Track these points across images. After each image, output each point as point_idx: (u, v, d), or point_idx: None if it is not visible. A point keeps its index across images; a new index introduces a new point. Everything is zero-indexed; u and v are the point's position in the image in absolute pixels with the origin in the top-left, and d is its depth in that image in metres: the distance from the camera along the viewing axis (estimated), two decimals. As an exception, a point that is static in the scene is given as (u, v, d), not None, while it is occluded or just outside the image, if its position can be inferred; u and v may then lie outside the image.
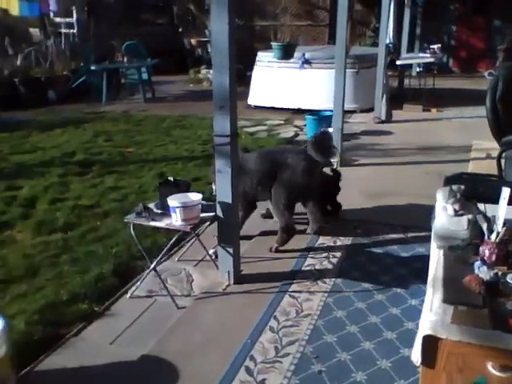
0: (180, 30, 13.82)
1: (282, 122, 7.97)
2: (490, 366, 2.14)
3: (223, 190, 2.94)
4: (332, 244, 3.61)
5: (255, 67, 8.95)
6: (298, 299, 2.91)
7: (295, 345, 2.49)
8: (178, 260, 3.47)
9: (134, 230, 3.02)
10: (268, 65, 8.63)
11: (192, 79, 11.81)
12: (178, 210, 2.76)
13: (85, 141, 6.87)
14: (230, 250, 3.04)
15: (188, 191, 3.01)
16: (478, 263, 2.15)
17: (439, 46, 9.33)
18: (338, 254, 3.44)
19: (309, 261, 3.35)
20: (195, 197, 2.89)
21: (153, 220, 2.91)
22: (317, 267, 3.29)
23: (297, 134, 7.22)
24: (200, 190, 3.29)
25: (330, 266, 3.30)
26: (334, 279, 3.12)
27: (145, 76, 10.16)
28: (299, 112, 7.95)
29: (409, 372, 2.22)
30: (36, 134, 7.25)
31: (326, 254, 3.44)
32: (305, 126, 7.21)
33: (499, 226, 2.27)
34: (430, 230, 2.53)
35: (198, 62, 12.57)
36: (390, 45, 7.89)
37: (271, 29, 12.97)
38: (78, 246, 3.69)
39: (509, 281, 2.02)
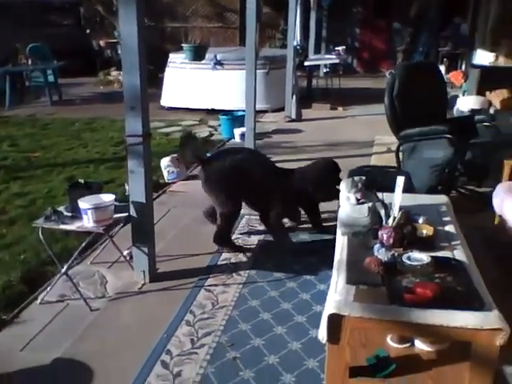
0: (88, 31, 13.39)
1: (197, 122, 7.99)
2: (389, 339, 2.34)
3: (136, 190, 2.93)
4: (247, 238, 3.70)
5: (167, 68, 8.89)
6: (213, 292, 2.97)
7: (211, 336, 2.55)
8: (91, 263, 3.40)
9: (43, 234, 2.93)
10: (180, 66, 8.61)
11: (102, 81, 11.49)
12: (89, 212, 2.72)
13: (-13, 147, 6.50)
14: (145, 249, 3.04)
15: (100, 193, 2.97)
16: (377, 246, 2.33)
17: (344, 47, 9.80)
18: (253, 247, 3.54)
19: (224, 255, 3.42)
20: (107, 198, 2.87)
21: (63, 223, 2.85)
22: (232, 261, 3.37)
23: (211, 134, 7.28)
24: (113, 192, 3.25)
25: (244, 259, 3.39)
26: (248, 271, 3.21)
27: (51, 78, 9.75)
28: (213, 112, 8.02)
29: (317, 351, 2.36)
30: None
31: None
32: (219, 125, 7.30)
33: (395, 212, 2.47)
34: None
35: (107, 63, 12.25)
36: (298, 46, 8.16)
37: (182, 30, 12.98)
38: (-17, 255, 3.52)
39: (404, 260, 2.20)
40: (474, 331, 1.85)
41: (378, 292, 2.06)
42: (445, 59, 10.45)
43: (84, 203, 2.74)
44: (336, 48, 9.68)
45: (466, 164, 4.17)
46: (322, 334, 2.00)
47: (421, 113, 4.13)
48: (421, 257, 2.22)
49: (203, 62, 8.30)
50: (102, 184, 3.21)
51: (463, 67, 10.01)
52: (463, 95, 7.48)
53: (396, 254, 2.28)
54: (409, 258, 2.21)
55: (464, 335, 1.89)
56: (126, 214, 2.98)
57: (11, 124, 7.84)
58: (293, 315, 2.72)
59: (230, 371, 2.29)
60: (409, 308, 1.92)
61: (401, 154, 4.20)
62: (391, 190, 2.66)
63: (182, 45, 8.23)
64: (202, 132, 7.37)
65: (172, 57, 8.83)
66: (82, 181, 3.09)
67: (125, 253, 3.33)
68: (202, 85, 8.49)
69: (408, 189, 3.23)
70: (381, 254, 2.29)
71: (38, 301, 2.95)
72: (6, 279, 3.15)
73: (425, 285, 2.03)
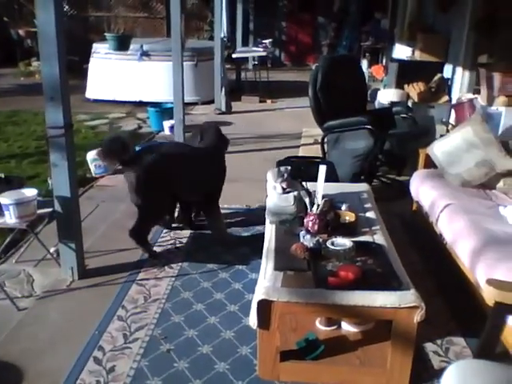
0: (5, 19, 12.67)
1: (124, 114, 7.84)
2: (317, 323, 2.46)
3: (60, 183, 2.86)
4: (178, 231, 3.71)
5: (91, 59, 8.63)
6: (145, 286, 2.96)
7: (144, 329, 2.56)
8: (16, 262, 3.28)
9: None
10: (105, 57, 8.38)
11: (22, 72, 10.95)
12: (11, 208, 2.64)
13: None
14: (72, 245, 2.98)
15: (21, 188, 2.88)
16: (302, 233, 2.43)
17: (270, 40, 9.94)
18: (184, 240, 3.56)
19: (156, 249, 3.41)
20: (29, 193, 2.78)
21: (-18, 220, 2.74)
22: (164, 254, 3.37)
23: (140, 127, 7.18)
24: (38, 188, 3.14)
25: (176, 252, 3.40)
26: (180, 263, 3.23)
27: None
28: (141, 104, 7.89)
29: (250, 339, 2.43)
30: None
31: (172, 241, 3.53)
32: (148, 118, 7.20)
33: (319, 199, 2.58)
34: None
35: (27, 53, 11.67)
36: (225, 39, 8.20)
37: (106, 20, 12.61)
38: None
39: (328, 246, 2.32)
40: (393, 310, 2.00)
41: (305, 277, 2.17)
42: (367, 53, 10.83)
43: (4, 198, 2.64)
44: (263, 41, 9.79)
45: (386, 154, 4.40)
46: (253, 320, 2.08)
47: (342, 105, 4.30)
48: (343, 242, 2.35)
49: (129, 52, 8.13)
50: (23, 178, 3.10)
51: (384, 61, 10.42)
52: (384, 88, 7.81)
53: (321, 239, 2.40)
54: (332, 244, 2.33)
55: (384, 314, 2.03)
56: (51, 209, 2.90)
57: None
58: (225, 305, 2.78)
59: (165, 363, 2.31)
60: (333, 291, 2.04)
61: (326, 145, 4.37)
62: (316, 179, 2.78)
63: (105, 34, 8.00)
64: (130, 125, 7.25)
65: (96, 47, 8.57)
66: (1, 175, 2.97)
67: (51, 250, 3.24)
68: (129, 76, 8.32)
69: (332, 178, 3.39)
70: (306, 240, 2.40)
71: (-41, 303, 2.82)
72: None
73: (347, 268, 2.16)
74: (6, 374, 2.31)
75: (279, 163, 3.66)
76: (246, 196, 4.35)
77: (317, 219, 2.50)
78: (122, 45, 7.77)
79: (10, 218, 2.67)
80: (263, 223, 2.84)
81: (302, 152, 5.53)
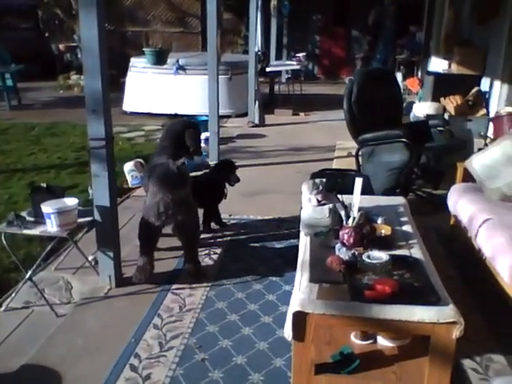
0: (46, 34, 13.15)
1: (159, 127, 7.96)
2: (352, 337, 2.43)
3: (100, 193, 2.94)
4: (212, 241, 3.74)
5: (129, 73, 8.85)
6: (180, 296, 3.00)
7: (179, 338, 2.59)
8: (56, 269, 3.38)
9: (6, 241, 2.91)
10: (142, 71, 8.59)
11: (62, 85, 11.32)
12: (52, 216, 2.71)
13: None
14: (110, 254, 3.05)
15: (63, 197, 2.96)
16: (338, 246, 2.42)
17: (304, 54, 10.00)
18: (218, 250, 3.60)
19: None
20: (71, 202, 2.86)
21: (26, 228, 2.83)
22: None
23: (174, 139, 7.28)
24: (77, 197, 3.24)
25: (210, 262, 3.43)
26: (215, 274, 3.26)
27: (9, 82, 9.55)
28: (176, 117, 8.02)
29: (284, 350, 2.42)
30: None
31: (207, 251, 3.57)
32: (182, 131, 7.31)
33: (355, 212, 2.57)
34: (301, 222, 2.78)
35: (67, 67, 12.07)
36: (259, 52, 8.28)
37: (143, 35, 12.92)
38: None
39: (364, 259, 2.30)
40: (431, 325, 1.96)
41: (340, 289, 2.15)
42: (402, 66, 10.78)
43: (47, 207, 2.73)
44: (297, 55, 9.86)
45: (422, 167, 4.36)
46: (288, 331, 2.07)
47: (378, 118, 4.28)
48: (380, 255, 2.32)
49: (165, 66, 8.32)
50: (64, 188, 3.19)
51: (419, 74, 10.35)
52: (419, 101, 7.74)
53: (356, 253, 2.38)
54: (368, 257, 2.31)
55: (422, 329, 1.99)
56: (90, 218, 2.98)
57: (-33, 130, 7.64)
58: (259, 316, 2.78)
59: (199, 372, 2.33)
60: (369, 304, 2.02)
61: (360, 158, 4.35)
62: (351, 191, 2.77)
63: (144, 49, 8.20)
64: (165, 137, 7.37)
65: (133, 61, 8.80)
66: (44, 185, 3.07)
67: (90, 258, 3.32)
68: (165, 90, 8.49)
69: (367, 191, 3.37)
70: (342, 253, 2.38)
71: (3, 308, 2.91)
72: (-32, 287, 3.10)
73: (384, 281, 2.13)
74: (45, 378, 2.36)
75: (314, 175, 3.66)
76: (279, 208, 4.37)
77: (352, 232, 2.48)
78: (159, 59, 7.95)
79: (52, 227, 2.75)
80: (296, 236, 2.85)
81: (335, 165, 5.51)
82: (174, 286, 3.11)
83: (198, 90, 7.85)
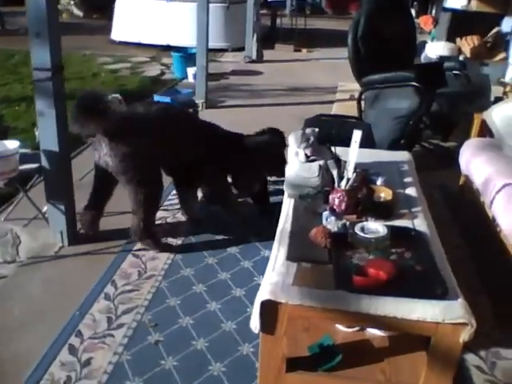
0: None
1: (148, 59, 7.38)
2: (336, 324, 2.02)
3: (47, 136, 2.45)
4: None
5: (118, -2, 8.11)
6: (142, 258, 2.58)
7: (132, 313, 2.19)
8: (5, 219, 2.95)
9: None
10: (133, -4, 7.85)
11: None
12: (-15, 162, 2.25)
13: None
14: (61, 207, 2.60)
15: (4, 138, 2.49)
16: (326, 213, 1.97)
17: (311, -17, 9.13)
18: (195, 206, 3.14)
19: (161, 213, 3.00)
20: (11, 145, 2.39)
21: (-44, 174, 2.37)
22: (169, 220, 2.98)
23: (163, 73, 6.71)
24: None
25: (183, 219, 3.00)
26: (185, 233, 2.83)
27: (-9, 5, 8.81)
28: (168, 49, 7.37)
29: (254, 334, 2.01)
30: None
31: (179, 205, 3.12)
32: (172, 64, 6.71)
33: (349, 172, 2.10)
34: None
35: (55, -10, 11.19)
36: (260, -21, 7.50)
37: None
38: None
39: (357, 232, 1.85)
40: (434, 325, 1.54)
41: (324, 272, 1.72)
42: (415, 2, 9.95)
43: (-21, 152, 2.26)
44: (303, -16, 9.03)
45: (432, 116, 3.83)
46: (255, 322, 1.66)
47: (386, 56, 3.71)
48: (376, 227, 1.88)
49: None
50: (7, 128, 2.70)
51: (433, 12, 9.55)
52: (432, 41, 7.08)
53: (348, 223, 1.93)
54: (362, 229, 1.87)
55: (422, 329, 1.58)
56: (37, 165, 2.51)
57: None
58: (230, 288, 2.37)
59: (150, 359, 1.95)
60: (358, 295, 1.59)
61: (363, 103, 3.82)
62: (349, 143, 2.29)
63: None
64: (153, 70, 6.78)
65: (123, -15, 8.02)
66: (-17, 124, 2.59)
67: (44, 209, 2.87)
68: (157, 18, 7.79)
69: (368, 142, 2.87)
70: (330, 223, 1.94)
71: None
72: None
73: (379, 264, 1.70)
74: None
75: (308, 122, 3.16)
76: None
77: (345, 196, 2.02)
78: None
79: (-15, 174, 2.30)
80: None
81: (335, 109, 4.98)
82: (137, 247, 2.68)
83: (193, 20, 7.13)
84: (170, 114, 2.71)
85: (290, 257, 1.78)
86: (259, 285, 2.31)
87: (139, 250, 2.65)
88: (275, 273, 1.71)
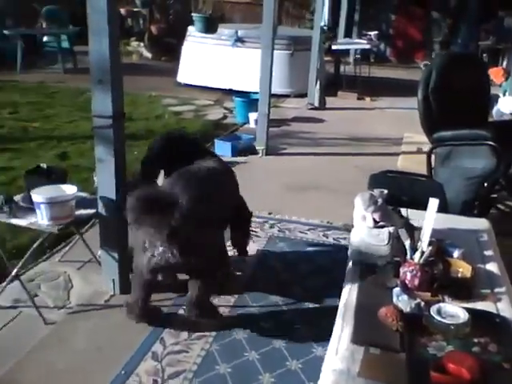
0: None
1: (212, 102, 7.45)
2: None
3: (105, 182, 2.41)
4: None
5: (185, 42, 8.31)
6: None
7: (179, 378, 2.04)
8: (60, 261, 2.92)
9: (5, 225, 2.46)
10: (199, 40, 8.02)
11: (121, 51, 10.97)
12: (42, 207, 2.21)
13: (-14, 112, 6.08)
14: (115, 255, 2.53)
15: (62, 182, 2.46)
16: (397, 290, 1.77)
17: (376, 33, 9.06)
18: (249, 259, 3.00)
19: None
20: (68, 190, 2.35)
21: (15, 217, 2.34)
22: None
23: (225, 117, 6.73)
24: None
25: (238, 273, 2.86)
26: (239, 291, 2.67)
27: (65, 44, 9.27)
28: (231, 93, 7.44)
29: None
30: None
31: (234, 258, 2.98)
32: (234, 108, 6.74)
33: (424, 244, 1.91)
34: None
35: (127, 33, 11.70)
36: (325, 27, 7.49)
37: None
38: None
39: (433, 315, 1.65)
40: None
41: (395, 361, 1.52)
42: (485, 54, 9.70)
43: (37, 195, 2.22)
44: (368, 33, 8.96)
45: (509, 177, 3.56)
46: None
47: (459, 112, 3.50)
48: (455, 311, 1.67)
49: (223, 37, 7.75)
50: (66, 172, 2.67)
51: (504, 64, 9.25)
52: (504, 95, 6.78)
53: (422, 303, 1.73)
54: (439, 312, 1.66)
55: None
56: (94, 210, 2.47)
57: (17, 89, 7.39)
58: (285, 358, 2.18)
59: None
60: (436, 395, 1.38)
61: (433, 159, 3.60)
62: (420, 205, 2.11)
63: (192, 14, 7.61)
64: (216, 114, 6.83)
65: (191, 30, 8.22)
66: (44, 165, 2.58)
67: (99, 253, 2.82)
68: (221, 62, 7.91)
69: (440, 204, 2.66)
70: (402, 301, 1.74)
71: (-13, 305, 2.49)
72: (-42, 273, 2.70)
73: (460, 358, 1.48)
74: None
75: (373, 179, 2.99)
76: (328, 209, 3.72)
77: (418, 271, 1.83)
78: (208, 27, 7.33)
79: (42, 219, 2.25)
80: (345, 250, 2.23)
81: (401, 162, 4.76)
82: (188, 301, 2.55)
83: (256, 65, 7.19)
84: (227, 183, 2.60)
85: (356, 339, 1.59)
86: (317, 357, 2.15)
87: (190, 305, 2.52)
88: (339, 358, 1.52)
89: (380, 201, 2.16)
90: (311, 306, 2.57)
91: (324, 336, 2.18)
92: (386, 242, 2.00)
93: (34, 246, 2.39)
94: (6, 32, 8.79)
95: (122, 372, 2.06)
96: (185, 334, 2.31)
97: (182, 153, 2.48)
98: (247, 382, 2.04)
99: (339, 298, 1.88)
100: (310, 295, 2.64)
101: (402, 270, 1.86)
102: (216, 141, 5.12)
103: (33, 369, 2.09)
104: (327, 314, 2.38)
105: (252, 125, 6.02)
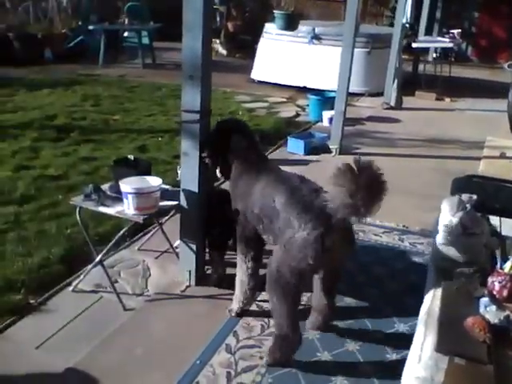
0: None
1: (285, 100, 7.45)
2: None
3: (189, 176, 2.47)
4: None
5: (261, 39, 8.36)
6: (266, 309, 2.46)
7: (252, 372, 2.06)
8: (139, 249, 3.03)
9: (84, 213, 2.59)
10: (275, 37, 8.05)
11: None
12: (130, 197, 2.31)
13: (70, 104, 6.39)
14: (193, 247, 2.59)
15: (147, 174, 2.55)
16: (484, 300, 1.70)
17: (459, 31, 8.69)
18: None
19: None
20: (154, 182, 2.43)
21: (103, 205, 2.46)
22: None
23: (298, 115, 6.71)
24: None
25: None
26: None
27: (145, 40, 9.60)
28: (304, 90, 7.42)
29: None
30: (22, 93, 6.76)
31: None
32: (308, 106, 6.71)
33: (516, 254, 1.81)
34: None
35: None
36: (407, 25, 7.28)
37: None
38: (30, 223, 3.27)
39: (523, 328, 1.57)
40: None
41: (481, 373, 1.46)
42: None
43: (125, 186, 2.32)
44: (451, 31, 8.61)
45: None
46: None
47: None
48: (548, 327, 1.57)
49: (300, 35, 7.71)
50: (150, 164, 2.77)
51: None
52: None
53: (511, 315, 1.65)
54: (530, 327, 1.57)
55: None
56: (176, 202, 2.54)
57: (100, 83, 7.74)
58: (358, 361, 2.15)
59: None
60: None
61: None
62: (507, 212, 2.01)
63: (274, 11, 7.61)
64: (288, 111, 6.83)
65: (267, 27, 8.27)
66: (131, 157, 2.68)
67: (176, 243, 2.91)
68: (297, 60, 7.89)
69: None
70: (490, 312, 1.66)
71: (71, 287, 2.62)
72: (46, 255, 2.87)
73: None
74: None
75: (457, 183, 2.87)
76: (404, 214, 3.62)
77: (509, 282, 1.74)
78: (289, 24, 7.32)
79: (128, 208, 2.35)
80: (421, 254, 2.16)
81: (483, 167, 4.54)
82: (262, 296, 2.55)
83: (332, 63, 7.11)
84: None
85: (440, 348, 1.54)
86: (392, 363, 2.11)
87: (262, 301, 2.53)
88: (421, 366, 1.48)
89: (468, 206, 2.07)
90: (385, 310, 2.51)
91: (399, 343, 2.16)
92: (475, 249, 1.92)
93: (120, 233, 2.50)
94: (90, 27, 9.25)
95: (198, 362, 2.11)
96: (258, 329, 2.33)
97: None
98: (319, 382, 2.02)
99: (418, 304, 1.83)
100: (387, 299, 2.58)
101: (489, 279, 1.78)
102: (289, 138, 5.11)
103: (112, 353, 2.18)
104: (402, 320, 2.36)
105: (325, 123, 5.96)
